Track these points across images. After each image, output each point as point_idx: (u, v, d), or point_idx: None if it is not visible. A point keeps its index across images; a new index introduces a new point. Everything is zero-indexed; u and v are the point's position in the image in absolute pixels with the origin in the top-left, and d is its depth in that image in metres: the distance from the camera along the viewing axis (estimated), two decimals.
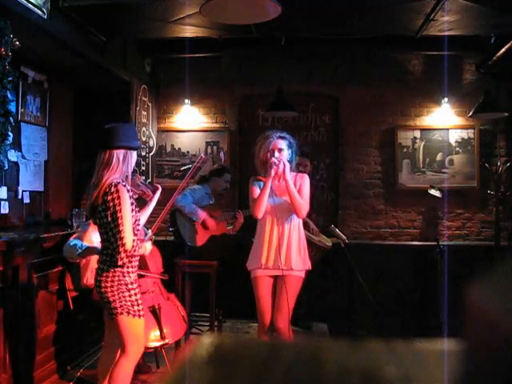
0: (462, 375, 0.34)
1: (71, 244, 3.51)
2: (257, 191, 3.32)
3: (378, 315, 4.73)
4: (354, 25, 4.59)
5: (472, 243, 5.33)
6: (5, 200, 4.14)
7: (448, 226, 5.35)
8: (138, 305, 2.73)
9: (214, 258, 4.42)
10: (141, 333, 2.78)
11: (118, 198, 2.57)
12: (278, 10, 3.04)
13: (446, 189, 5.14)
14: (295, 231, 3.37)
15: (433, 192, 5.01)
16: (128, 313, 2.68)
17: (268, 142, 3.29)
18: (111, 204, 2.58)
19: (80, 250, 3.41)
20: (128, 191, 2.63)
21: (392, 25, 4.54)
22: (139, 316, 2.72)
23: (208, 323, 4.63)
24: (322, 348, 0.44)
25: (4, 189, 4.14)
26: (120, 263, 2.64)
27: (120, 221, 2.57)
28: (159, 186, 3.10)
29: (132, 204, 2.67)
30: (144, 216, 2.98)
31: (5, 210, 4.14)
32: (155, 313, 3.55)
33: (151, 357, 3.96)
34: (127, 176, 2.75)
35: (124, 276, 2.68)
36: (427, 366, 0.41)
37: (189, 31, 4.57)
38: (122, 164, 2.68)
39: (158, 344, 3.51)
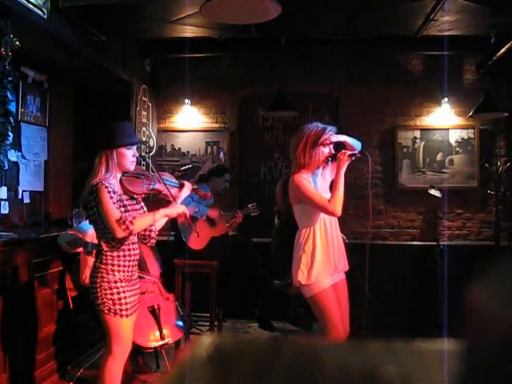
0: (462, 375, 0.34)
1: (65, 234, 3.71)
2: (315, 189, 2.99)
3: (378, 315, 4.72)
4: (354, 25, 4.59)
5: (472, 243, 5.32)
6: (5, 200, 4.14)
7: (448, 225, 5.35)
8: (120, 304, 2.67)
9: (214, 258, 4.42)
10: (125, 333, 2.73)
11: (97, 196, 2.61)
12: (278, 10, 3.04)
13: (446, 189, 5.14)
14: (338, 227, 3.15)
15: (433, 192, 5.01)
16: (109, 311, 2.66)
17: (328, 134, 3.03)
18: (93, 204, 2.63)
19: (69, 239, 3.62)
20: (109, 192, 2.61)
21: (392, 25, 4.55)
22: (121, 316, 2.67)
23: (208, 323, 4.63)
24: (322, 348, 0.44)
25: (4, 189, 4.14)
26: (117, 246, 2.70)
27: (104, 213, 2.61)
28: (185, 183, 3.01)
29: (117, 202, 2.65)
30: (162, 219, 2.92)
31: (5, 210, 4.14)
32: (155, 313, 3.55)
33: (151, 357, 3.96)
34: (124, 173, 2.77)
35: (108, 273, 2.67)
36: (427, 366, 0.41)
37: (189, 31, 4.57)
38: (108, 163, 2.71)
39: (157, 344, 3.51)
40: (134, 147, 2.80)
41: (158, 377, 3.82)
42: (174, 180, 3.07)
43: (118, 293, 2.68)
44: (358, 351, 0.42)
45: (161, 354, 3.81)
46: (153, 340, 3.48)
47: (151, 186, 2.88)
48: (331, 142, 3.06)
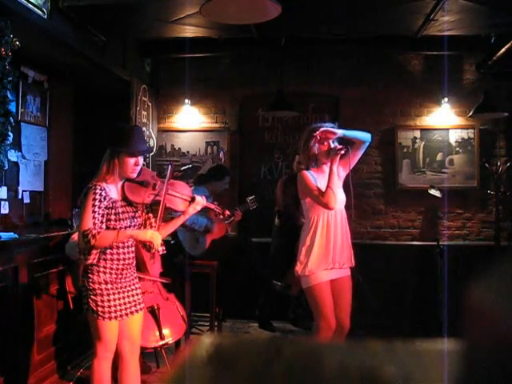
0: (462, 375, 0.34)
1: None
2: (315, 184, 3.09)
3: (377, 315, 4.72)
4: (354, 25, 4.60)
5: (472, 243, 5.32)
6: (5, 200, 4.14)
7: (448, 225, 5.35)
8: (103, 307, 2.64)
9: (214, 258, 4.42)
10: (108, 335, 2.69)
11: (84, 199, 2.61)
12: (278, 10, 3.04)
13: (446, 189, 5.13)
14: (347, 223, 3.20)
15: (433, 192, 5.01)
16: (93, 312, 2.65)
17: (322, 130, 3.09)
18: (81, 205, 2.63)
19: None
20: (96, 199, 2.58)
21: (392, 25, 4.55)
22: (103, 318, 2.64)
23: (208, 323, 4.63)
24: (322, 348, 0.44)
25: (4, 189, 4.14)
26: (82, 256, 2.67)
27: (80, 219, 2.61)
28: (196, 198, 2.84)
29: (105, 209, 2.61)
30: (167, 228, 2.87)
31: (5, 210, 4.13)
32: (154, 313, 3.55)
33: (151, 357, 3.96)
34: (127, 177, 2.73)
35: (93, 275, 2.65)
36: (427, 366, 0.41)
37: (189, 31, 4.57)
38: (109, 166, 2.67)
39: (157, 344, 3.51)
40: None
41: (157, 377, 3.82)
42: (187, 191, 2.90)
43: (102, 295, 2.65)
44: (358, 351, 0.42)
45: (161, 353, 3.81)
46: (153, 340, 3.48)
47: (154, 197, 2.77)
48: (327, 138, 3.11)
